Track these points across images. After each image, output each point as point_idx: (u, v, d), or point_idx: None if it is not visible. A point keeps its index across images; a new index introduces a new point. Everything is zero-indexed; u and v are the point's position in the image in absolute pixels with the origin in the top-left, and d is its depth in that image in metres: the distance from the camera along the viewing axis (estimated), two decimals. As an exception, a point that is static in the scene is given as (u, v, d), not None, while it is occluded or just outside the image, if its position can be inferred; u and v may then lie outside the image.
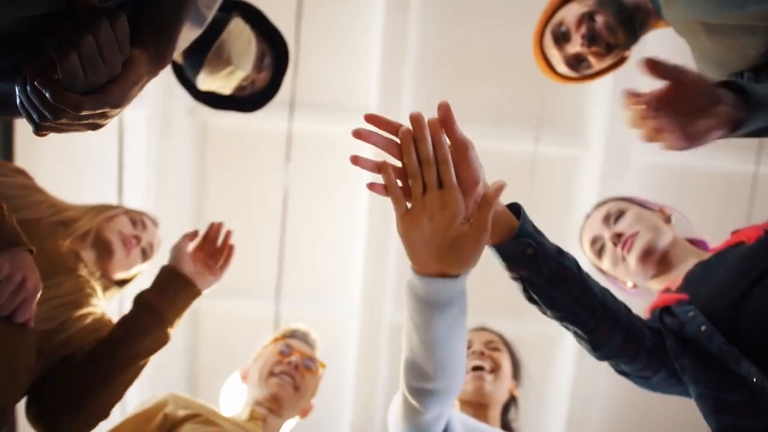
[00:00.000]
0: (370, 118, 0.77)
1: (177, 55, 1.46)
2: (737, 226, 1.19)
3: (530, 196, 2.41)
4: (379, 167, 0.77)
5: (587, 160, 2.67)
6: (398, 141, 0.77)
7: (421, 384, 0.90)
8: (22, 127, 2.39)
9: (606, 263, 1.40)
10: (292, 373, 1.56)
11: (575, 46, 1.42)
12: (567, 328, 0.95)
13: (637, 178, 2.58)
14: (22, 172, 1.36)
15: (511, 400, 1.55)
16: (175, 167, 2.68)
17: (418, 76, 2.61)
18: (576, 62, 1.46)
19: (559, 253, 0.88)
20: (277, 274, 2.68)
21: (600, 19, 1.36)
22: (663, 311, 1.08)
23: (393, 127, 0.77)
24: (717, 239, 1.23)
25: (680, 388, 1.02)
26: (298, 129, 2.58)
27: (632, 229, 1.32)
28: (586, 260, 1.51)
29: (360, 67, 2.67)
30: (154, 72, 0.79)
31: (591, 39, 1.38)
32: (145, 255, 1.51)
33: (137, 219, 1.50)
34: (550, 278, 0.87)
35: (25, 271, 0.96)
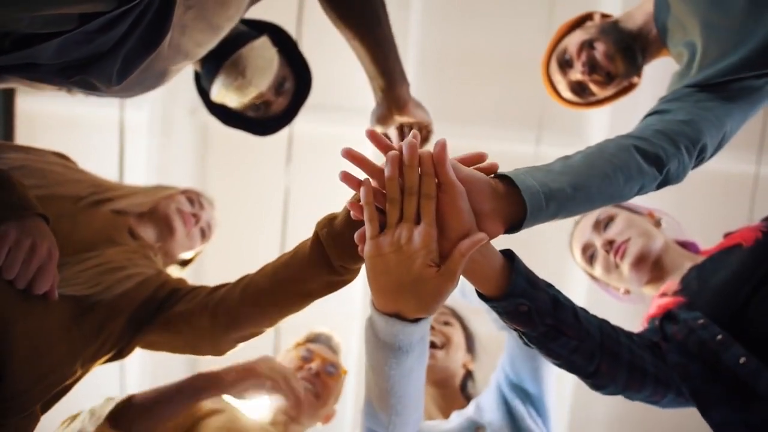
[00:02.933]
0: (372, 135, 0.73)
1: (196, 63, 1.45)
2: (738, 226, 1.19)
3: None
4: (360, 184, 0.73)
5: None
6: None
7: (376, 428, 0.91)
8: (22, 126, 2.40)
9: (598, 270, 1.38)
10: (312, 380, 1.52)
11: (576, 74, 1.43)
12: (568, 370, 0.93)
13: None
14: (62, 156, 1.32)
15: (468, 375, 1.53)
16: (175, 168, 2.68)
17: (418, 77, 2.61)
18: (579, 89, 1.47)
19: (555, 304, 0.84)
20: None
21: (600, 48, 1.36)
22: (664, 318, 1.05)
23: (388, 149, 0.74)
24: (717, 240, 1.23)
25: (690, 405, 0.99)
26: (299, 130, 2.58)
27: (624, 235, 1.31)
28: (576, 267, 1.51)
29: (361, 69, 2.67)
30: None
31: (591, 67, 1.38)
32: (204, 235, 1.48)
33: (194, 198, 1.48)
34: (545, 333, 0.84)
35: (35, 236, 0.91)
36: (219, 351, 1.06)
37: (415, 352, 0.80)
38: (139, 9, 0.79)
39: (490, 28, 2.60)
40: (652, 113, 1.08)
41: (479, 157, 0.78)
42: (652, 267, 1.29)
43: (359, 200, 0.75)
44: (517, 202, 0.76)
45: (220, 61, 1.40)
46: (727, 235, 1.20)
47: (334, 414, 1.63)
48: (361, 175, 0.76)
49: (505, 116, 2.65)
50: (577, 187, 0.81)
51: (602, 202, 0.88)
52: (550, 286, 0.85)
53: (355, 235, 0.76)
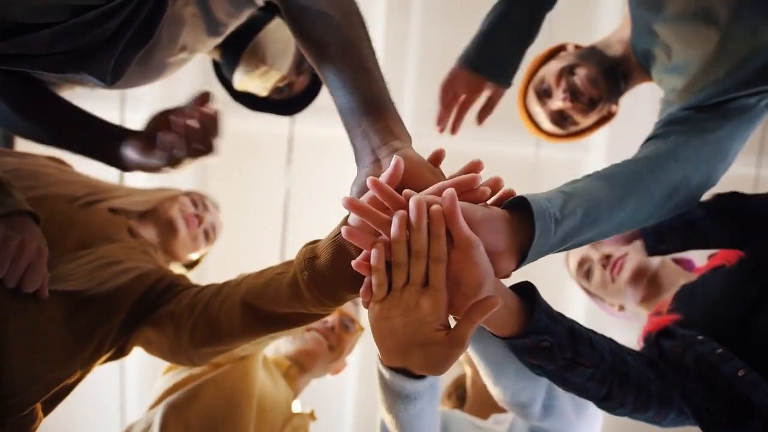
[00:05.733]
0: (376, 185, 0.66)
1: (214, 52, 1.44)
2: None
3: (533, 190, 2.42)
4: (371, 245, 0.68)
5: (588, 164, 2.68)
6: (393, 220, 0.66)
7: None
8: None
9: (594, 285, 1.38)
10: (326, 334, 1.51)
11: (557, 102, 1.37)
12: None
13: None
14: (56, 159, 1.32)
15: None
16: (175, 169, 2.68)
17: (419, 80, 2.61)
18: (560, 118, 1.41)
19: (572, 336, 0.82)
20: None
21: (581, 72, 1.31)
22: (660, 335, 1.05)
23: (395, 201, 0.67)
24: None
25: (690, 422, 0.99)
26: (300, 132, 2.59)
27: (621, 250, 1.31)
28: (571, 279, 1.50)
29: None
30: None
31: (572, 93, 1.33)
32: (208, 237, 1.47)
33: (198, 200, 1.47)
34: (564, 366, 0.83)
35: (23, 234, 0.89)
36: (193, 364, 1.03)
37: (424, 398, 0.78)
38: (132, 5, 0.79)
39: (490, 31, 2.60)
40: (655, 137, 1.04)
41: (473, 180, 0.69)
42: (648, 284, 1.29)
43: (356, 247, 0.70)
44: (528, 225, 0.71)
45: (238, 50, 1.39)
46: (711, 257, 1.19)
47: (344, 366, 1.63)
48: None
49: (505, 118, 2.64)
50: (588, 212, 0.78)
51: (611, 230, 0.84)
52: (563, 316, 0.84)
53: (361, 291, 0.70)
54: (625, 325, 1.49)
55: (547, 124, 1.45)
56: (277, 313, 0.86)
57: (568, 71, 1.34)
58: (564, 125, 1.43)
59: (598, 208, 0.80)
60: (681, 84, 1.07)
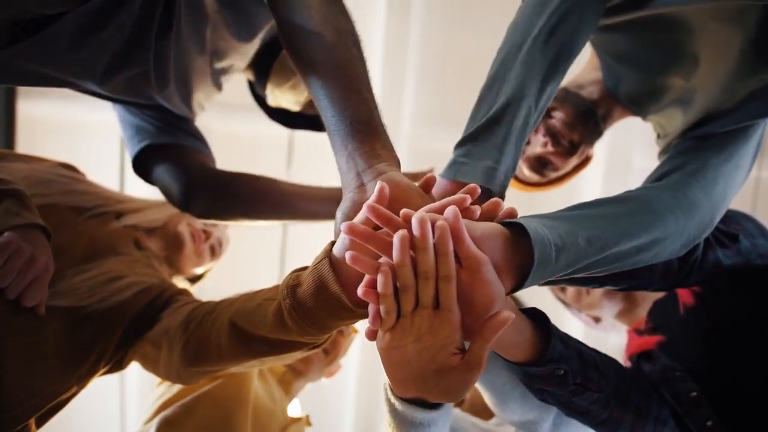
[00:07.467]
0: (373, 210, 0.63)
1: (248, 72, 1.42)
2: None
3: (531, 200, 2.41)
4: (378, 270, 0.64)
5: (589, 165, 2.68)
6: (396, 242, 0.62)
7: None
8: (23, 130, 2.39)
9: (569, 297, 1.36)
10: None
11: (536, 148, 1.31)
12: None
13: (638, 182, 2.57)
14: (70, 167, 1.31)
15: None
16: (176, 172, 2.67)
17: (419, 81, 2.61)
18: (539, 165, 1.34)
19: (581, 360, 0.82)
20: (279, 280, 2.67)
21: (557, 115, 1.25)
22: (641, 356, 1.03)
23: (395, 225, 0.64)
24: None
25: None
26: (300, 134, 2.58)
27: None
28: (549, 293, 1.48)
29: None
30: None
31: (553, 137, 1.28)
32: (214, 252, 1.47)
33: None
34: (572, 391, 0.82)
35: (35, 248, 0.91)
36: (183, 382, 1.02)
37: (438, 424, 0.75)
38: None
39: (491, 33, 2.59)
40: (669, 170, 1.00)
41: (463, 201, 0.66)
42: (623, 297, 1.27)
43: (364, 274, 0.65)
44: (526, 248, 0.68)
45: (268, 64, 1.37)
46: None
47: (339, 369, 1.63)
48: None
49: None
50: (591, 240, 0.74)
51: (622, 259, 0.80)
52: (570, 337, 0.83)
53: (369, 319, 0.66)
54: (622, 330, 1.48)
55: (525, 172, 1.38)
56: (265, 338, 0.82)
57: (545, 114, 1.28)
58: (543, 172, 1.36)
59: (604, 236, 0.76)
60: (683, 120, 1.03)
